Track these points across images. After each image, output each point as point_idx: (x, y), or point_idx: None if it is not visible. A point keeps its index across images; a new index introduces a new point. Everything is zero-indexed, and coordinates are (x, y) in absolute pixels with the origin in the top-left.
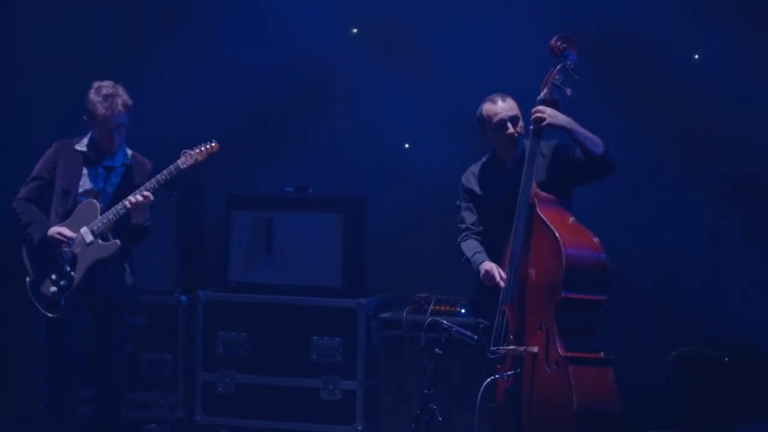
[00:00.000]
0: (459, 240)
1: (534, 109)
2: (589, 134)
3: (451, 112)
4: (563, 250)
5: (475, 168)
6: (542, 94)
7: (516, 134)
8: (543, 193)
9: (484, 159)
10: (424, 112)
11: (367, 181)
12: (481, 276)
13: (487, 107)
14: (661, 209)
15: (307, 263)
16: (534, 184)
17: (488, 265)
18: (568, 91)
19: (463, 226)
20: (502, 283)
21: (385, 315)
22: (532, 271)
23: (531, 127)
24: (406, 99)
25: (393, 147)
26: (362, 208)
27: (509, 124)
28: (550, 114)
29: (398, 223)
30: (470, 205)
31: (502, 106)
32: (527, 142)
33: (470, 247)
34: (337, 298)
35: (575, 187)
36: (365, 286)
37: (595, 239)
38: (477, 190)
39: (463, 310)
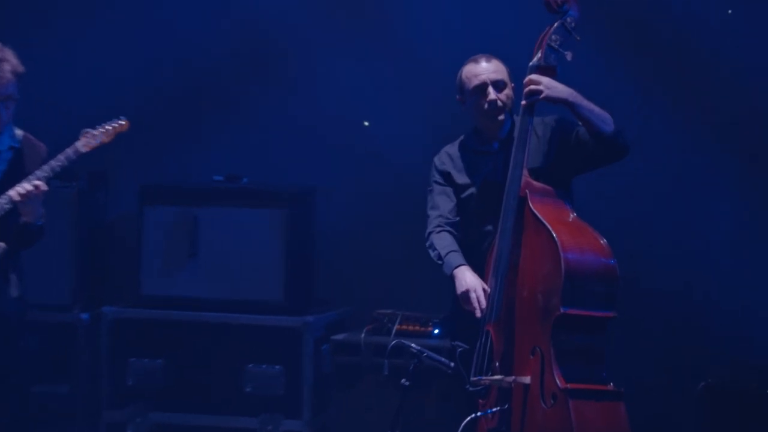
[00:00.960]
0: (429, 230)
1: (527, 79)
2: (596, 108)
3: (422, 83)
4: (562, 254)
5: (451, 149)
6: (535, 59)
7: (500, 103)
8: (537, 183)
9: (462, 138)
10: (388, 83)
11: (316, 168)
12: (459, 292)
13: (467, 68)
14: (683, 205)
15: (241, 271)
16: (525, 172)
17: (467, 279)
18: (568, 55)
19: (435, 212)
20: (478, 313)
21: (339, 336)
22: (522, 282)
23: (523, 102)
24: (366, 68)
25: (350, 126)
26: (311, 202)
27: (491, 89)
28: (546, 84)
29: (356, 221)
30: (445, 188)
31: (484, 67)
32: (518, 119)
33: (444, 242)
34: (278, 316)
35: (576, 176)
36: (314, 300)
37: (602, 241)
38: (453, 173)
39: (436, 331)
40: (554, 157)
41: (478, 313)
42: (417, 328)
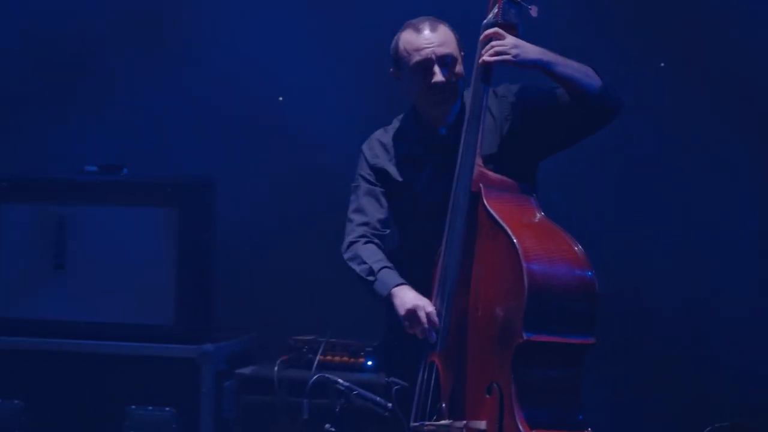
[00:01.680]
0: (349, 241)
1: (484, 35)
2: (575, 63)
3: (353, 45)
4: (525, 265)
5: (384, 135)
6: (491, 15)
7: (448, 84)
8: (493, 175)
9: (397, 122)
10: (308, 46)
11: (217, 156)
12: (402, 312)
13: (406, 37)
14: (685, 202)
15: (121, 288)
16: (479, 159)
17: (411, 296)
18: (533, 10)
19: (360, 218)
20: (432, 336)
21: (246, 370)
22: (475, 301)
23: (477, 66)
24: (279, 26)
25: (259, 102)
26: (209, 198)
27: (437, 68)
28: (513, 43)
29: (268, 223)
30: (375, 188)
31: (428, 38)
32: (468, 93)
33: (374, 255)
34: (168, 344)
35: (545, 160)
36: (214, 324)
37: (577, 248)
38: (388, 168)
39: (369, 362)
40: (517, 138)
41: (432, 338)
42: (345, 359)
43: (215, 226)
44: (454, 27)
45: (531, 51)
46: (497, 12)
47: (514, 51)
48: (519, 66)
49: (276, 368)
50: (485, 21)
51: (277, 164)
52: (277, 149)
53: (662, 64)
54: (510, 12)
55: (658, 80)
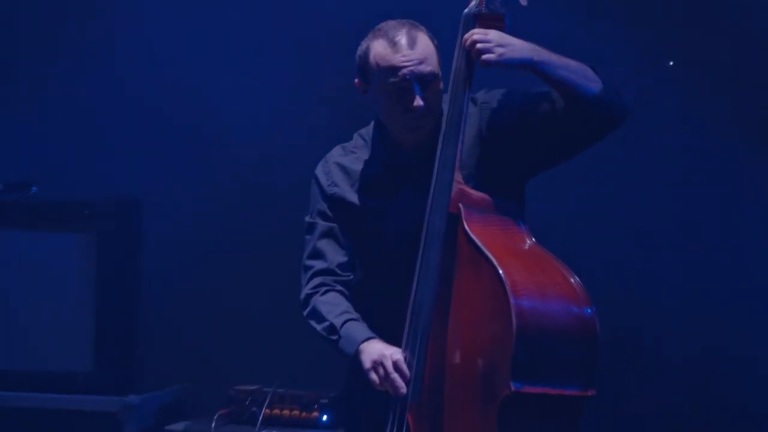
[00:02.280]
0: (306, 294)
1: (466, 36)
2: (572, 62)
3: (304, 44)
4: (513, 301)
5: (342, 156)
6: (472, 4)
7: (427, 108)
8: (475, 193)
9: (359, 139)
10: (255, 40)
11: (142, 172)
12: (366, 367)
13: (378, 50)
14: (704, 224)
15: (28, 328)
16: (458, 175)
17: (378, 347)
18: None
19: (318, 264)
20: (402, 389)
21: (177, 426)
22: (453, 345)
23: (455, 68)
24: (213, 23)
25: (191, 111)
26: (134, 222)
27: (416, 90)
28: (498, 40)
29: (204, 250)
30: (334, 227)
31: (406, 54)
32: (446, 100)
33: (335, 307)
34: (85, 395)
35: (536, 176)
36: (139, 372)
37: (573, 280)
38: (349, 197)
39: (324, 417)
40: (503, 153)
41: (402, 390)
42: (295, 413)
43: (141, 255)
44: (427, 20)
45: (519, 48)
46: (481, 0)
47: (499, 50)
48: (505, 66)
49: (213, 424)
50: (466, 11)
51: (214, 183)
52: (215, 166)
53: (671, 63)
54: (495, 0)
55: (666, 81)
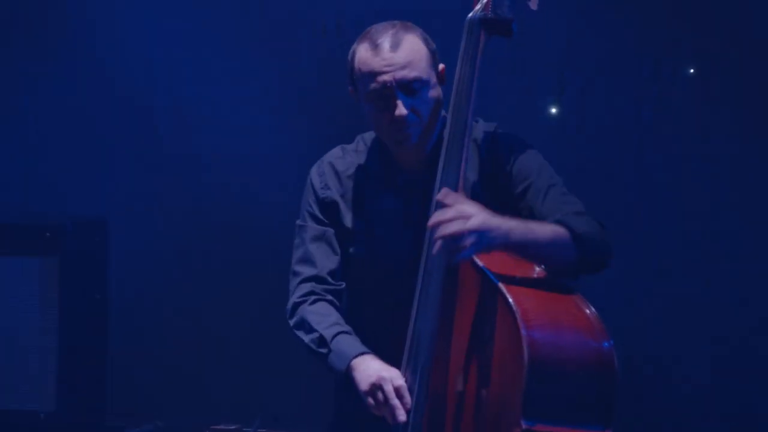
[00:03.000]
0: (293, 302)
1: (433, 221)
2: (548, 232)
3: (286, 45)
4: (524, 332)
5: (339, 159)
6: (477, 8)
7: (412, 117)
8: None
9: (361, 143)
10: (236, 35)
11: (107, 190)
12: (363, 389)
13: (361, 54)
14: (720, 248)
15: None
16: (461, 191)
17: (375, 367)
18: (533, 2)
19: (307, 270)
20: (401, 416)
21: None
22: (456, 378)
23: (458, 77)
24: (179, 23)
25: (160, 121)
26: (100, 244)
27: (398, 98)
28: (477, 224)
29: (175, 276)
30: (326, 231)
31: (387, 58)
32: (449, 111)
33: (325, 318)
34: None
35: None
36: (107, 411)
37: (589, 311)
38: (343, 210)
39: None
40: (498, 201)
41: (403, 418)
42: None
43: (107, 280)
44: (431, 22)
45: (494, 229)
46: (487, 3)
47: (470, 239)
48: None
49: None
50: (470, 15)
51: (185, 200)
52: (185, 181)
53: (692, 71)
54: (503, 4)
55: (687, 91)
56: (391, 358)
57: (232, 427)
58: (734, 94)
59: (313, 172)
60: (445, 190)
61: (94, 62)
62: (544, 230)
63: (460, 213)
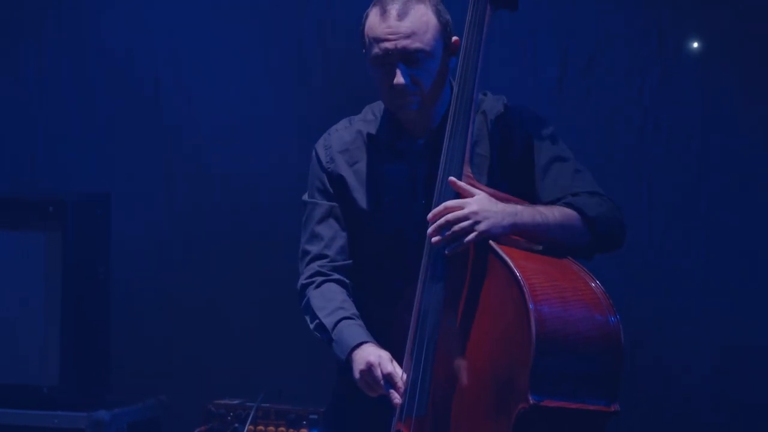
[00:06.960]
0: (301, 284)
1: (436, 212)
2: (558, 215)
3: (289, 19)
4: (531, 306)
5: (346, 131)
6: None
7: (411, 87)
8: (486, 188)
9: (370, 114)
10: (237, 8)
11: (110, 165)
12: (357, 374)
13: (371, 19)
14: (725, 225)
15: None
16: (467, 169)
17: (369, 351)
18: None
19: (315, 248)
20: (396, 399)
21: None
22: (464, 355)
23: (464, 46)
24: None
25: (162, 95)
26: (103, 219)
27: (398, 67)
28: (480, 212)
29: (178, 251)
30: (334, 206)
31: (392, 25)
32: (455, 85)
33: (330, 302)
34: (51, 411)
35: None
36: (110, 385)
37: (594, 284)
38: (348, 178)
39: None
40: (507, 176)
41: (397, 399)
42: (282, 429)
43: (110, 255)
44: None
45: (501, 216)
46: None
47: (480, 226)
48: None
49: None
50: None
51: (189, 176)
52: (189, 157)
53: (695, 45)
54: None
55: (694, 68)
56: (397, 333)
57: (235, 402)
58: (739, 65)
59: (319, 146)
60: (450, 179)
61: (98, 37)
62: (553, 214)
63: (461, 204)
